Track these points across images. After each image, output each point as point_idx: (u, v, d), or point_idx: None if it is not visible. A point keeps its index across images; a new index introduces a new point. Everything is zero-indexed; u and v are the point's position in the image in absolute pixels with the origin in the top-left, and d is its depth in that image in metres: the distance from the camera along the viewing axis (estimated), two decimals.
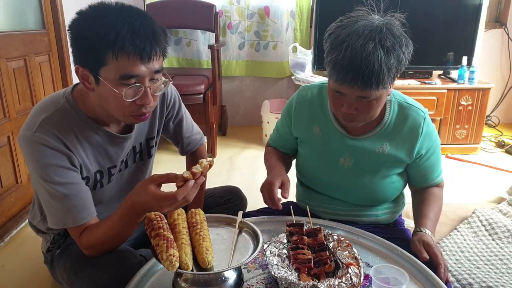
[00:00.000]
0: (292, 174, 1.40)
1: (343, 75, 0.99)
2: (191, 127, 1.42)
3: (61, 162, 1.00)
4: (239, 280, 0.92)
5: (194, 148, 1.44)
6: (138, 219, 1.00)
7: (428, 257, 1.05)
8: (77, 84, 1.10)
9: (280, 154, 1.38)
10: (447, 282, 0.99)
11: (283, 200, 1.48)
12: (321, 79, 2.99)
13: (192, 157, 1.47)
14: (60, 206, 1.02)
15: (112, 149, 1.13)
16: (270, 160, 1.34)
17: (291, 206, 1.18)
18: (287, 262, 0.95)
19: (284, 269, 0.92)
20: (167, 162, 2.83)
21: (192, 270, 0.85)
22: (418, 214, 1.23)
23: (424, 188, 1.29)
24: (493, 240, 1.88)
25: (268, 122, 3.21)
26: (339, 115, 1.13)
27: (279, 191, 1.15)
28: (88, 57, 0.93)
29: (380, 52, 0.97)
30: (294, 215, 1.25)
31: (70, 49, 0.97)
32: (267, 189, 1.15)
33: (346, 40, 0.99)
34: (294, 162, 1.41)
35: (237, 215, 1.05)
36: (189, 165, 1.45)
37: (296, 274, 0.91)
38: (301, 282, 0.87)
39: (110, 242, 1.05)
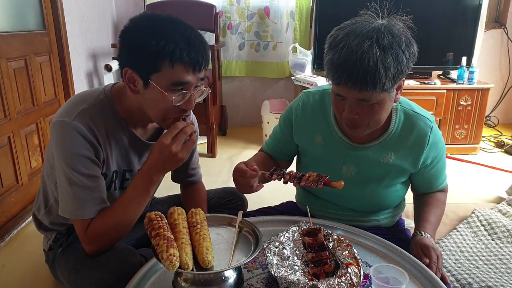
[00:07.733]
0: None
1: (338, 74, 0.97)
2: (197, 159, 1.44)
3: (89, 154, 1.05)
4: (239, 280, 0.92)
5: (197, 181, 1.44)
6: (151, 186, 1.07)
7: (428, 261, 1.05)
8: (115, 83, 1.15)
9: (262, 161, 1.32)
10: (446, 284, 0.99)
11: (283, 201, 1.49)
12: (321, 79, 3.00)
13: (192, 194, 1.43)
14: (77, 196, 1.04)
15: (133, 153, 1.18)
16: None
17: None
18: (287, 261, 0.96)
19: (284, 269, 0.92)
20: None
21: (192, 270, 0.85)
22: (419, 218, 1.22)
23: (427, 193, 1.28)
24: (492, 240, 1.89)
25: (268, 122, 3.21)
26: (342, 121, 1.09)
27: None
28: (143, 63, 1.00)
29: (375, 50, 0.94)
30: (294, 215, 1.26)
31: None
32: (238, 173, 1.09)
33: (343, 40, 0.97)
34: (295, 162, 1.41)
35: (237, 215, 1.06)
36: (184, 197, 1.44)
37: (297, 274, 0.92)
38: (301, 282, 0.87)
39: (119, 227, 1.06)
